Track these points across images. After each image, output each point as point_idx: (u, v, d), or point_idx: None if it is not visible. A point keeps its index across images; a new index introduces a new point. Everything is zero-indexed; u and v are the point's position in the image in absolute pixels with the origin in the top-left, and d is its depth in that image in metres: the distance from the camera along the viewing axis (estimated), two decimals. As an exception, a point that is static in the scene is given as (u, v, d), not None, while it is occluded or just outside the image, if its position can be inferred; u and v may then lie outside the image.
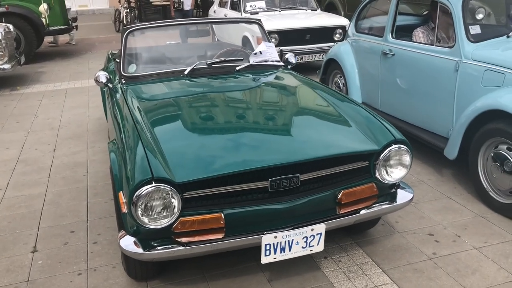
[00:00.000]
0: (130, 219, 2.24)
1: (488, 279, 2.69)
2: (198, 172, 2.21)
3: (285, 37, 7.37)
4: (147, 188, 2.12)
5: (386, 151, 2.48)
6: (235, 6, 8.69)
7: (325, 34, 7.64)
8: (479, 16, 4.01)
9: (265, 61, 3.74)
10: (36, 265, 2.95)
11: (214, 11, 9.93)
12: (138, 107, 2.93)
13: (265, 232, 2.33)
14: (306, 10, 8.47)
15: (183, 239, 2.28)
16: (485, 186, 3.46)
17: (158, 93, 3.27)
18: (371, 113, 2.77)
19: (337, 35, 7.79)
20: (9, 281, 2.81)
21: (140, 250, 2.27)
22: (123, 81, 3.45)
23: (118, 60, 4.31)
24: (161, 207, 2.17)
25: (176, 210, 2.18)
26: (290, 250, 2.37)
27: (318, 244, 2.41)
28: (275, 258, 2.37)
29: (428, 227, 3.22)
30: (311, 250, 2.42)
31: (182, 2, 9.16)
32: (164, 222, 2.19)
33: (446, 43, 4.06)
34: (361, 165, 2.51)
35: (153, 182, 2.14)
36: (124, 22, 13.73)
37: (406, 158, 2.53)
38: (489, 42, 3.71)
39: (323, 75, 5.84)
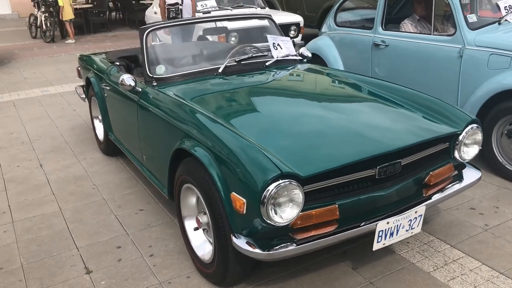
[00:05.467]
0: (251, 218, 2.16)
1: (544, 241, 2.95)
2: (319, 164, 2.18)
3: (245, 35, 7.35)
4: (277, 185, 2.06)
5: (464, 132, 2.62)
6: (183, 6, 8.47)
7: (267, 31, 7.74)
8: None
9: (287, 56, 3.74)
10: (100, 287, 2.71)
11: (155, 12, 9.61)
12: (198, 105, 2.81)
13: (372, 220, 2.36)
14: (255, 8, 8.53)
15: (300, 235, 2.24)
16: (501, 160, 3.77)
17: (209, 91, 3.15)
18: (432, 97, 2.92)
19: (292, 32, 7.96)
20: (81, 307, 2.56)
21: (258, 251, 2.19)
22: (154, 83, 3.26)
23: (118, 63, 4.10)
24: (287, 204, 2.12)
25: (301, 205, 2.14)
26: (397, 234, 2.42)
27: (418, 226, 2.50)
28: (384, 243, 2.41)
29: (466, 202, 3.45)
30: (412, 233, 2.49)
31: (181, 10, 7.07)
32: (289, 219, 2.13)
33: (440, 32, 4.35)
34: (443, 147, 2.64)
35: (279, 179, 2.08)
36: (44, 27, 12.80)
37: (479, 136, 2.70)
38: (485, 29, 4.04)
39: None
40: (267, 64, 3.56)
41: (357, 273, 2.72)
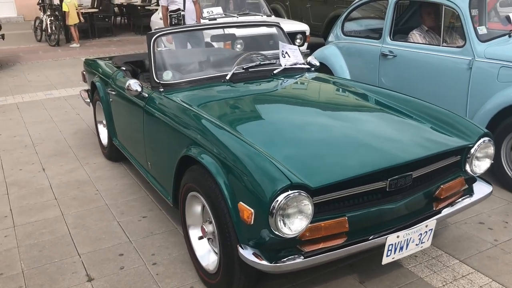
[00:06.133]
0: (258, 229, 2.10)
1: (554, 258, 2.89)
2: (330, 175, 2.14)
3: (251, 43, 7.33)
4: (286, 196, 2.01)
5: (476, 145, 2.57)
6: (189, 12, 8.46)
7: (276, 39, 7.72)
8: None
9: (295, 64, 3.71)
10: (102, 295, 2.66)
11: (161, 18, 9.60)
12: (205, 112, 2.77)
13: (382, 233, 2.31)
14: (262, 16, 8.53)
15: (308, 248, 2.19)
16: (510, 175, 3.72)
17: (217, 97, 3.11)
18: (443, 108, 2.88)
19: (298, 40, 7.94)
20: (82, 316, 2.50)
21: (265, 262, 2.13)
22: (161, 89, 3.23)
23: (124, 68, 4.06)
24: (296, 215, 2.07)
25: (310, 217, 2.08)
26: (406, 248, 2.37)
27: (428, 240, 2.45)
28: (394, 258, 2.36)
29: (474, 216, 3.39)
30: (421, 247, 2.44)
31: (183, 16, 6.81)
32: (298, 230, 2.08)
33: (449, 43, 4.32)
34: (454, 160, 2.59)
35: (289, 189, 2.03)
36: (49, 31, 12.81)
37: (491, 150, 2.65)
38: (496, 41, 4.00)
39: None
40: (275, 72, 3.52)
41: (364, 287, 2.66)
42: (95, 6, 15.35)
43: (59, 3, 13.00)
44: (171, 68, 3.43)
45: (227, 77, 3.34)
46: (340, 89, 3.39)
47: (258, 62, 3.56)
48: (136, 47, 12.04)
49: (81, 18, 12.71)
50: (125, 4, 16.28)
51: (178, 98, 3.06)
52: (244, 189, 2.15)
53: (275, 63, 3.66)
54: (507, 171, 3.74)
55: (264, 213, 2.03)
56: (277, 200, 2.01)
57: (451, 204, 2.61)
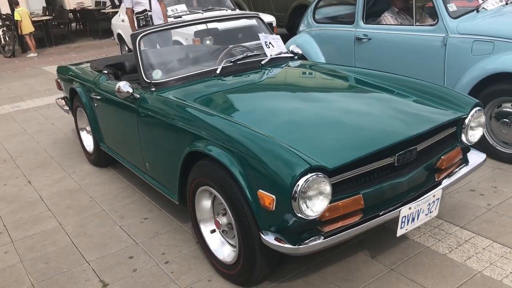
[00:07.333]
0: (281, 214, 2.15)
1: (545, 216, 3.08)
2: (344, 156, 2.20)
3: (220, 38, 7.31)
4: (306, 179, 2.06)
5: (470, 115, 2.70)
6: (152, 12, 8.35)
7: (254, 31, 7.75)
8: None
9: (280, 54, 3.76)
10: (121, 298, 2.65)
11: (122, 20, 9.45)
12: (205, 106, 2.79)
13: (393, 207, 2.41)
14: (226, 10, 8.52)
15: (328, 227, 2.26)
16: (491, 143, 3.91)
17: (211, 91, 3.12)
18: (434, 84, 3.01)
19: (265, 32, 7.97)
20: (105, 321, 2.49)
21: (289, 245, 2.19)
22: (153, 88, 3.22)
23: (106, 72, 4.01)
24: (317, 196, 2.13)
25: (329, 196, 2.15)
26: (417, 219, 2.47)
27: (435, 209, 2.56)
28: (407, 229, 2.46)
29: (465, 185, 3.55)
30: (430, 216, 2.55)
31: (151, 16, 6.73)
32: (319, 211, 2.14)
33: (420, 23, 4.48)
34: (451, 131, 2.71)
35: (308, 173, 2.08)
36: (2, 42, 12.38)
37: (483, 119, 2.79)
38: (465, 17, 4.17)
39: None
40: (262, 62, 3.56)
41: (376, 261, 2.76)
42: (47, 13, 14.94)
43: (10, 12, 12.59)
44: (159, 67, 3.42)
45: (217, 71, 3.36)
46: (329, 74, 3.47)
47: (245, 54, 3.58)
48: (97, 51, 11.80)
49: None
50: (78, 9, 15.90)
51: (172, 96, 3.06)
52: (261, 177, 2.19)
53: (260, 54, 3.70)
54: (489, 139, 3.92)
55: (286, 198, 2.08)
56: (298, 184, 2.06)
57: (449, 175, 2.74)
